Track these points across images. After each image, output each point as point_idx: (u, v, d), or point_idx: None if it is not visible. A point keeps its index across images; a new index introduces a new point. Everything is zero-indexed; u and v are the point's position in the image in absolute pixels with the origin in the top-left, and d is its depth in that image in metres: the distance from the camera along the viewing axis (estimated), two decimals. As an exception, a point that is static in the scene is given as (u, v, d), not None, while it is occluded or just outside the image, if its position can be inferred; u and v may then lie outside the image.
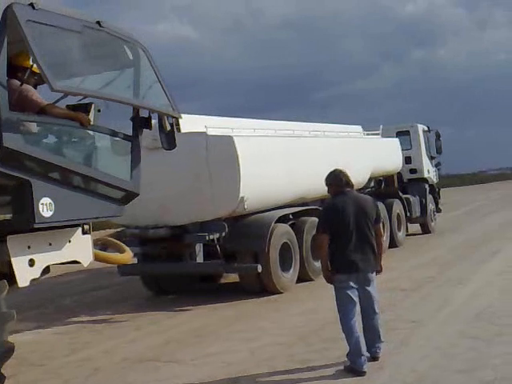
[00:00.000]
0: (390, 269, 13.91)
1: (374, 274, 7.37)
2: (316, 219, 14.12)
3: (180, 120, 12.05)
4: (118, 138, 7.84)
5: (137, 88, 7.83)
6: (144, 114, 8.16)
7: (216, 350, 8.34)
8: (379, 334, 7.33)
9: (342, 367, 7.10)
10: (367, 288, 7.24)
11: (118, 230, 13.01)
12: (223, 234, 12.03)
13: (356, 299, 7.17)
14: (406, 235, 20.18)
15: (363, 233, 7.20)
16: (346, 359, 7.14)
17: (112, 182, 7.52)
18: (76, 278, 16.36)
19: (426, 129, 22.22)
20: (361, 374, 6.88)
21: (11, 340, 6.49)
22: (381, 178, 20.11)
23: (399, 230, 18.83)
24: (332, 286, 7.30)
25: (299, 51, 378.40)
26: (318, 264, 13.84)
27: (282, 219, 13.19)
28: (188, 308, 11.58)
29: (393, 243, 18.11)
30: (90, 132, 7.59)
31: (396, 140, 19.88)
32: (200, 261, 11.99)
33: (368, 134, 19.51)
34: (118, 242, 10.70)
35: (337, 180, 7.54)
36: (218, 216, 11.89)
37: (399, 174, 21.03)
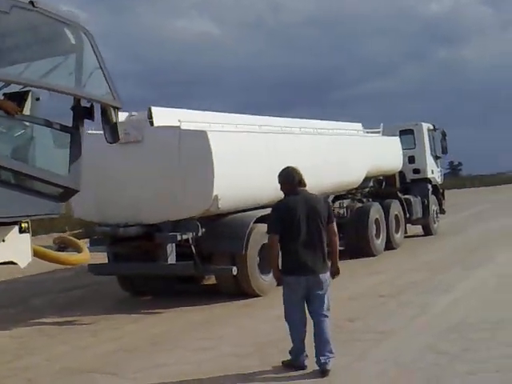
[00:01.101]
0: (378, 273, 13.38)
1: (328, 275, 7.04)
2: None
3: (154, 113, 11.64)
4: (54, 130, 7.24)
5: (79, 75, 7.29)
6: (87, 103, 7.57)
7: (164, 361, 7.77)
8: (328, 339, 6.94)
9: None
10: (317, 291, 6.94)
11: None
12: (197, 233, 11.45)
13: (303, 301, 6.96)
14: (406, 237, 19.53)
15: (314, 233, 6.95)
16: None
17: (46, 178, 6.97)
18: (60, 276, 15.83)
19: (431, 127, 21.48)
20: (301, 368, 6.92)
21: None
22: (381, 178, 19.43)
23: (397, 231, 18.13)
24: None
25: (321, 49, 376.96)
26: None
27: (264, 219, 12.61)
28: (158, 311, 11.04)
29: (389, 245, 17.44)
30: (26, 123, 7.04)
31: (396, 139, 19.17)
32: (172, 262, 11.38)
33: (368, 132, 18.87)
34: (77, 241, 10.20)
35: (289, 179, 7.21)
36: (191, 215, 11.30)
37: (402, 174, 20.33)
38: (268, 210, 12.39)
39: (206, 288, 13.24)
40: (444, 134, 21.91)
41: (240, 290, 11.80)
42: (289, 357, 7.12)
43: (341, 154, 15.17)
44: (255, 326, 9.34)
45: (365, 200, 17.97)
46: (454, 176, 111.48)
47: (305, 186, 7.18)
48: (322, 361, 6.82)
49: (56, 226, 22.54)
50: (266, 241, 11.90)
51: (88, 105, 7.57)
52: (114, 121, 7.73)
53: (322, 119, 17.28)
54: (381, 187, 19.56)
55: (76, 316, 10.99)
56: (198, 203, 11.20)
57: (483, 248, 16.64)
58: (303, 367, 6.98)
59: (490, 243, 17.67)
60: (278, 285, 7.15)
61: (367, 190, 18.43)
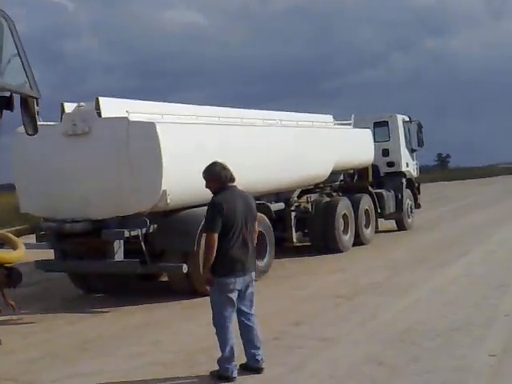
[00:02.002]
0: (341, 271, 12.93)
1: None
2: (260, 215, 13.09)
3: (102, 104, 11.09)
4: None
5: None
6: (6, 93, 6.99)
7: (89, 370, 7.24)
8: (258, 337, 6.70)
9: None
10: (250, 290, 6.74)
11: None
12: (146, 230, 10.94)
13: (235, 303, 6.58)
14: (379, 232, 19.06)
15: (249, 231, 6.65)
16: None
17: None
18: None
19: (406, 119, 20.95)
20: (230, 379, 6.49)
21: None
22: (352, 172, 18.93)
23: (367, 226, 17.59)
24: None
25: (307, 39, 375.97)
26: (259, 263, 12.80)
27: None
28: (104, 311, 10.53)
29: (359, 241, 16.94)
30: None
31: (367, 131, 18.61)
32: (119, 259, 10.85)
33: (339, 124, 18.36)
34: (13, 237, 9.69)
35: (220, 175, 6.70)
36: (139, 210, 10.77)
37: (375, 167, 19.81)
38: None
39: (163, 285, 12.68)
40: (420, 126, 21.36)
41: (192, 289, 11.30)
42: (217, 367, 6.61)
43: (304, 146, 14.64)
44: (193, 329, 8.80)
45: (335, 194, 17.46)
46: (442, 168, 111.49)
47: (234, 181, 6.73)
48: (258, 357, 6.62)
49: (9, 221, 21.80)
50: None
51: (7, 94, 6.98)
52: (34, 112, 7.13)
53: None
54: (352, 181, 19.06)
55: (17, 314, 10.40)
56: (146, 198, 10.69)
57: (457, 244, 16.19)
58: (232, 379, 6.51)
59: (464, 239, 17.25)
60: (209, 286, 6.67)
61: (337, 183, 17.93)
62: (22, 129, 11.62)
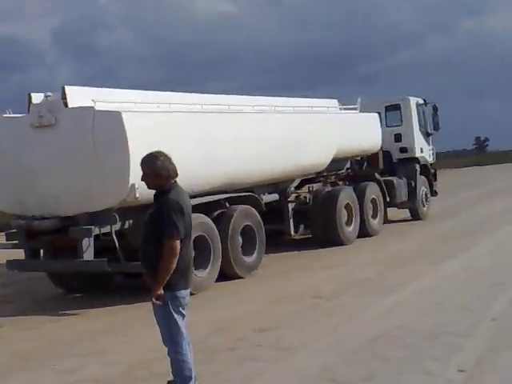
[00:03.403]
0: (334, 266, 12.21)
1: None
2: (246, 207, 12.35)
3: (69, 93, 10.43)
4: None
5: None
6: None
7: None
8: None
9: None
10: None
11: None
12: (121, 226, 10.33)
13: None
14: (391, 222, 18.25)
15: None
16: None
17: None
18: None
19: (420, 102, 19.89)
20: None
21: None
22: (360, 159, 18.02)
23: (374, 216, 16.67)
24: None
25: (341, 22, 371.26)
26: (246, 259, 12.11)
27: (206, 209, 11.44)
28: (73, 313, 9.92)
29: (365, 232, 16.07)
30: None
31: (374, 115, 17.63)
32: (89, 258, 10.18)
33: (345, 109, 17.47)
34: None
35: (169, 169, 5.47)
36: (108, 206, 10.11)
37: (387, 154, 18.88)
38: (202, 199, 11.35)
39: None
40: (436, 109, 20.19)
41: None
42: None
43: (300, 134, 13.81)
44: (148, 337, 7.98)
45: (341, 183, 16.61)
46: (481, 152, 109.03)
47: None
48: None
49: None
50: (200, 233, 11.02)
51: None
52: None
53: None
54: (361, 169, 18.16)
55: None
56: (114, 193, 10.03)
57: (467, 235, 15.27)
58: None
59: (478, 229, 16.32)
60: (158, 300, 5.36)
61: (343, 172, 17.06)
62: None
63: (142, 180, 5.55)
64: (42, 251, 11.32)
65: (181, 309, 5.48)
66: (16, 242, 10.96)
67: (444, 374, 6.05)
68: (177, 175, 5.56)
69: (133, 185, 9.82)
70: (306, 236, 15.60)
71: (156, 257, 5.28)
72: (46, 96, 10.57)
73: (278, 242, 15.32)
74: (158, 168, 5.41)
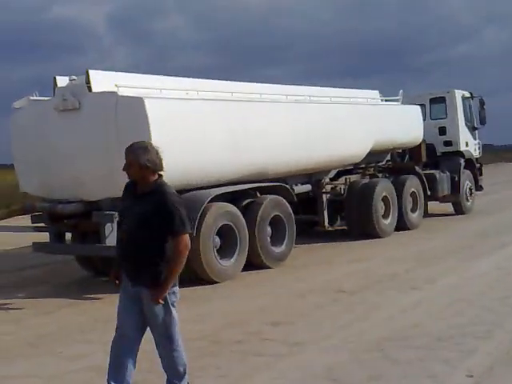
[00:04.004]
0: (362, 260, 12.00)
1: None
2: (276, 197, 12.12)
3: (93, 77, 10.33)
4: None
5: None
6: None
7: (21, 371, 6.58)
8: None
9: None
10: None
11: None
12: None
13: None
14: (433, 215, 17.89)
15: None
16: None
17: None
18: (22, 253, 14.39)
19: (467, 95, 19.35)
20: None
21: None
22: (402, 151, 17.63)
23: (413, 210, 16.26)
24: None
25: (396, 13, 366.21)
26: (275, 249, 11.89)
27: (234, 198, 11.31)
28: (93, 297, 9.87)
29: (404, 226, 15.69)
30: None
31: (416, 107, 17.19)
32: (111, 243, 10.08)
33: (386, 101, 17.08)
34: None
35: (156, 162, 5.08)
36: (131, 192, 9.98)
37: (431, 147, 18.45)
38: (228, 189, 11.18)
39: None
40: (482, 103, 19.61)
41: (194, 275, 10.52)
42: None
43: (335, 125, 13.50)
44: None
45: (380, 175, 16.26)
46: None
47: None
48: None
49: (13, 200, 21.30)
50: (226, 222, 10.86)
51: None
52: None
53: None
54: (403, 161, 17.75)
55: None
56: (136, 179, 9.87)
57: (509, 232, 14.68)
58: None
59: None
60: (161, 300, 5.01)
61: (382, 164, 16.70)
62: (19, 103, 11.22)
63: (123, 169, 5.18)
64: (70, 234, 11.39)
65: (176, 305, 5.23)
66: (41, 224, 10.95)
67: (450, 379, 5.76)
68: (162, 169, 5.18)
69: (155, 171, 9.68)
70: (342, 228, 15.30)
71: (160, 257, 5.00)
72: (70, 80, 10.51)
73: (312, 232, 15.12)
74: (144, 160, 5.03)
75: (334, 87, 15.85)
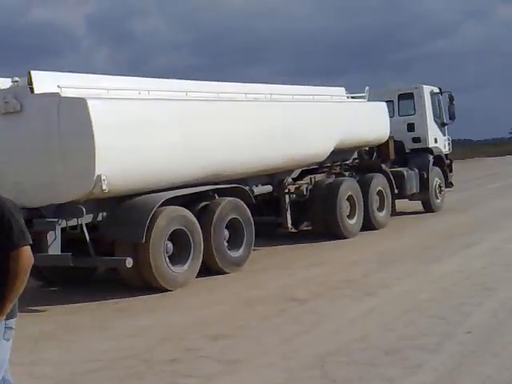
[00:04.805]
0: (321, 264, 11.64)
1: None
2: (234, 200, 11.73)
3: (35, 78, 9.89)
4: None
5: None
6: None
7: None
8: None
9: None
10: None
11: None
12: (93, 219, 9.96)
13: None
14: (403, 213, 17.63)
15: None
16: None
17: None
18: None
19: (435, 91, 19.05)
20: None
21: None
22: (369, 149, 17.28)
23: (381, 209, 15.96)
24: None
25: (375, 9, 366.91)
26: (232, 254, 11.50)
27: (189, 201, 10.93)
28: (39, 309, 9.42)
29: (370, 225, 15.37)
30: None
31: (381, 104, 16.83)
32: (54, 252, 9.70)
33: (353, 98, 16.74)
34: None
35: None
36: (73, 198, 9.62)
37: (400, 144, 18.14)
38: (182, 191, 10.78)
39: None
40: (451, 98, 19.32)
41: (143, 283, 10.16)
42: None
43: (293, 124, 13.12)
44: (92, 345, 7.48)
45: (347, 174, 15.92)
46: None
47: None
48: None
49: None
50: (179, 227, 10.43)
51: None
52: None
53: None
54: (370, 159, 17.40)
55: None
56: (79, 184, 9.56)
57: (474, 231, 14.45)
58: None
59: (487, 224, 15.49)
60: None
61: (349, 163, 16.34)
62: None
63: None
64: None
65: (8, 345, 4.20)
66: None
67: (387, 401, 5.39)
68: None
69: (99, 176, 9.36)
70: (307, 228, 14.96)
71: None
72: (13, 81, 10.07)
73: (276, 234, 14.78)
74: None
75: (303, 85, 15.57)
